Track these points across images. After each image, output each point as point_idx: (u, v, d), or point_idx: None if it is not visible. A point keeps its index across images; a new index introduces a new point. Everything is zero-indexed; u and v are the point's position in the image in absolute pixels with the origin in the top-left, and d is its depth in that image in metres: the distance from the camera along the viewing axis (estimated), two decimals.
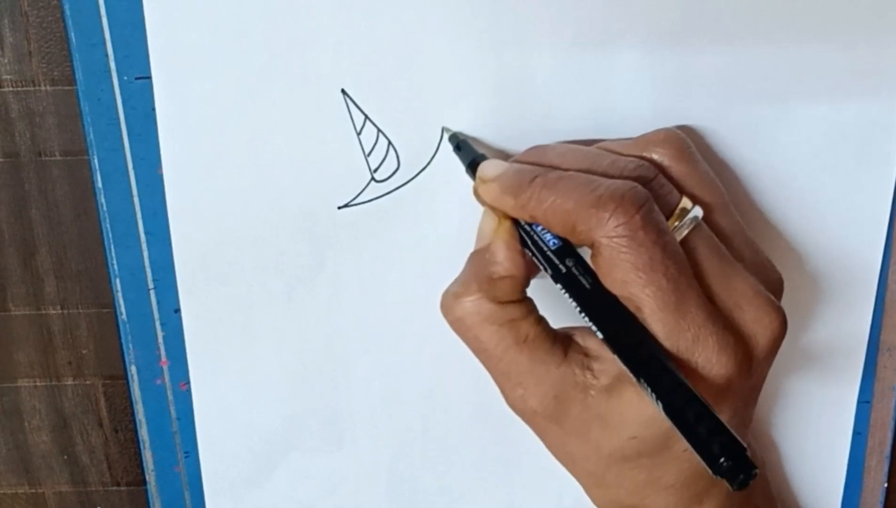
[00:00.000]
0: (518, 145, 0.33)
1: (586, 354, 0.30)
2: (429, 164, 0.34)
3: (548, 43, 0.33)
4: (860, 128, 0.34)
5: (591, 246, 0.28)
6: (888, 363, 0.38)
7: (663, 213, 0.29)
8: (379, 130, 0.34)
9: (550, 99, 0.33)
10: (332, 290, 0.36)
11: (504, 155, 0.33)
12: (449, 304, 0.31)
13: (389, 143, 0.34)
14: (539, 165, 0.31)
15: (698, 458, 0.25)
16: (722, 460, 0.24)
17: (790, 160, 0.34)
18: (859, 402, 0.38)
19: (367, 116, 0.34)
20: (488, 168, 0.31)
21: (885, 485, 0.40)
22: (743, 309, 0.29)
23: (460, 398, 0.38)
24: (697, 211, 0.29)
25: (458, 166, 0.34)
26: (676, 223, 0.29)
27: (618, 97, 0.33)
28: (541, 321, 0.31)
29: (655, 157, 0.31)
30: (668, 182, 0.30)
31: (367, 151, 0.34)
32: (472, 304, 0.31)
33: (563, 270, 0.29)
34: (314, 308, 0.37)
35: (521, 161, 0.32)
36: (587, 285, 0.28)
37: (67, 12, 0.32)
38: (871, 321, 0.37)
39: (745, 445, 0.24)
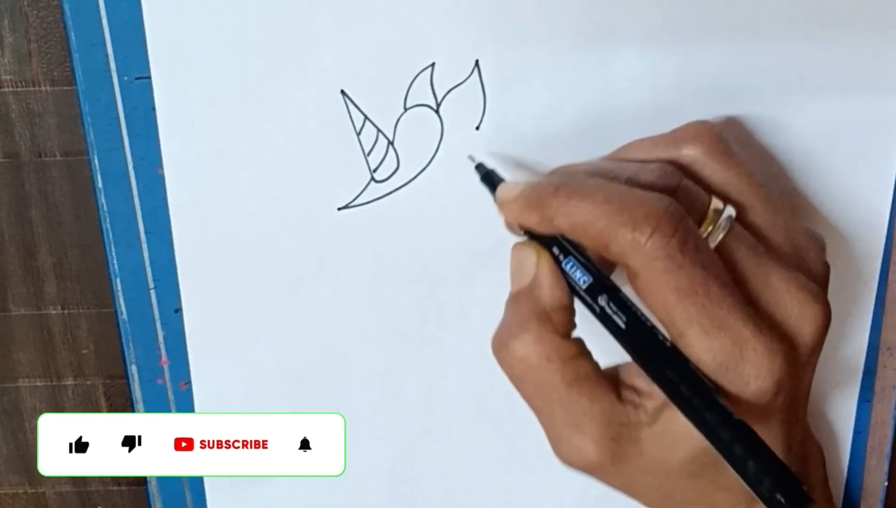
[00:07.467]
0: (518, 145, 0.33)
1: (636, 391, 0.28)
2: (429, 164, 0.34)
3: (548, 43, 0.33)
4: (860, 126, 0.34)
5: (626, 267, 0.27)
6: (888, 363, 0.38)
7: (694, 217, 0.27)
8: (379, 130, 0.34)
9: (550, 98, 0.33)
10: (332, 290, 0.36)
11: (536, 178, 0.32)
12: (507, 346, 0.29)
13: (389, 143, 0.34)
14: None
15: (750, 491, 0.24)
16: (777, 496, 0.23)
17: (790, 159, 0.34)
18: (859, 402, 0.38)
19: (366, 117, 0.34)
20: (505, 190, 0.30)
21: (886, 484, 0.40)
22: (786, 306, 0.28)
23: (460, 398, 0.38)
24: (730, 211, 0.28)
25: (458, 167, 0.34)
26: (710, 228, 0.28)
27: (617, 96, 0.33)
28: (591, 357, 0.29)
29: (688, 153, 0.30)
30: (695, 185, 0.29)
31: (366, 152, 0.34)
32: (535, 341, 0.28)
33: (597, 310, 0.27)
34: (314, 308, 0.37)
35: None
36: (622, 325, 0.27)
37: (67, 12, 0.32)
38: (872, 320, 0.37)
39: (800, 481, 0.24)
